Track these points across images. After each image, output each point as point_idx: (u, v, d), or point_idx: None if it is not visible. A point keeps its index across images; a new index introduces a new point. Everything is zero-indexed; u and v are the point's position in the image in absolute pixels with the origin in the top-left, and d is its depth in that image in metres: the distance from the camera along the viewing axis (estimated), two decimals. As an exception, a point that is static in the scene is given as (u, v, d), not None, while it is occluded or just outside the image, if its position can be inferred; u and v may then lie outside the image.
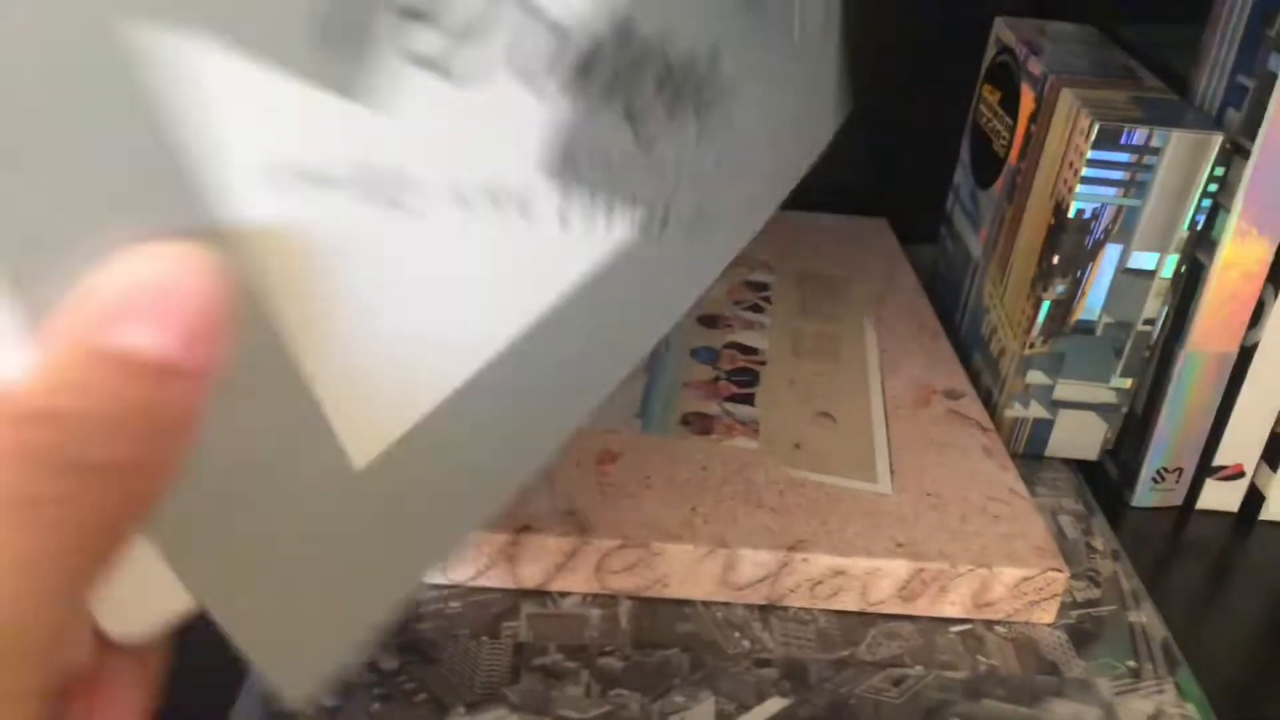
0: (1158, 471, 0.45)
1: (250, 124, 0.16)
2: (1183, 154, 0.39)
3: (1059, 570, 0.36)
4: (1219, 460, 0.45)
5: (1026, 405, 0.45)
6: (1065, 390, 0.45)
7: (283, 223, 0.17)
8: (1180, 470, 0.45)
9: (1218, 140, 0.39)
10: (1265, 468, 0.45)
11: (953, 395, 0.45)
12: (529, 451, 0.24)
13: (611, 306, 0.25)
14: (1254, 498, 0.45)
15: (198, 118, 0.15)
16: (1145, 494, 0.46)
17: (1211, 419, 0.44)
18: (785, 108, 0.31)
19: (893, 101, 0.56)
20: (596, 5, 0.21)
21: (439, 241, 0.20)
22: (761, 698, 0.33)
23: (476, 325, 0.21)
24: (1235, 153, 0.40)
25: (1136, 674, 0.36)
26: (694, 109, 0.25)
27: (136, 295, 0.15)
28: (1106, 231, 0.41)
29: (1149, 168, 0.40)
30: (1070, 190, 0.41)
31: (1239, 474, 0.45)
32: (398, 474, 0.20)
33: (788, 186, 0.33)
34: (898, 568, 0.36)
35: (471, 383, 0.21)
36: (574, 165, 0.22)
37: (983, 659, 0.36)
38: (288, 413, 0.18)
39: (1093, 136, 0.39)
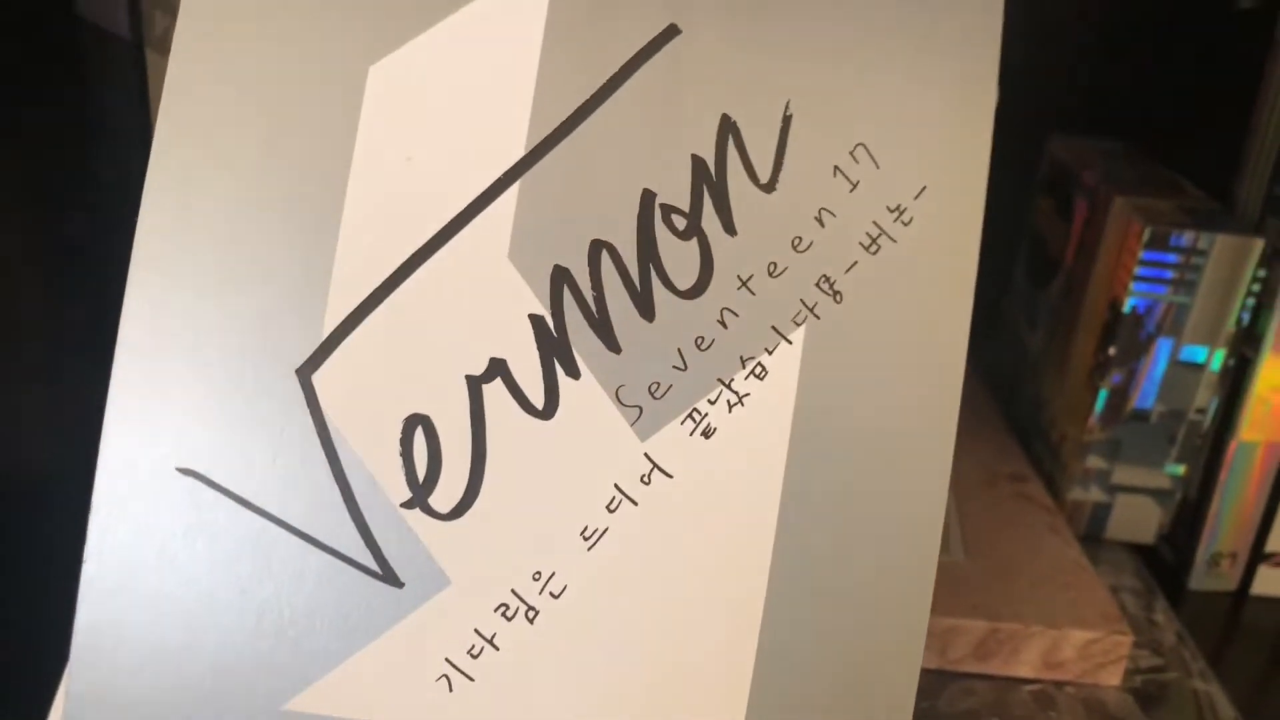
0: (1212, 556, 0.48)
1: (400, 702, 0.21)
2: (1227, 256, 0.43)
3: (1124, 634, 0.39)
4: (1271, 547, 0.48)
5: (1086, 489, 0.48)
6: (1123, 475, 0.48)
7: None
8: (1235, 555, 0.48)
9: (1259, 245, 0.43)
10: (1316, 554, 0.47)
11: (1018, 479, 0.49)
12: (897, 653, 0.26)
13: (851, 438, 0.24)
14: (1307, 583, 0.48)
15: None
16: (1201, 578, 0.48)
17: (1263, 507, 0.47)
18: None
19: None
20: None
21: (611, 577, 0.22)
22: (850, 741, 0.36)
23: (720, 597, 0.23)
24: (1275, 257, 0.44)
25: (1200, 733, 0.38)
26: (750, 180, 0.24)
27: None
28: (1159, 326, 0.45)
29: (1196, 268, 0.44)
30: (1125, 288, 0.45)
31: (1292, 560, 0.48)
32: None
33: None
34: (974, 627, 0.39)
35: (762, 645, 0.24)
36: (671, 394, 0.23)
37: (1054, 715, 0.38)
38: None
39: (1145, 239, 0.44)
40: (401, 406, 0.21)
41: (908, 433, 0.24)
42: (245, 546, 0.21)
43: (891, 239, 0.24)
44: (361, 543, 0.21)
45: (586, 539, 0.22)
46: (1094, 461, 0.48)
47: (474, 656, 0.21)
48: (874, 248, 0.24)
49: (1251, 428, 0.46)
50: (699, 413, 0.23)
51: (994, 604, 0.40)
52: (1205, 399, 0.46)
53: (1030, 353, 0.55)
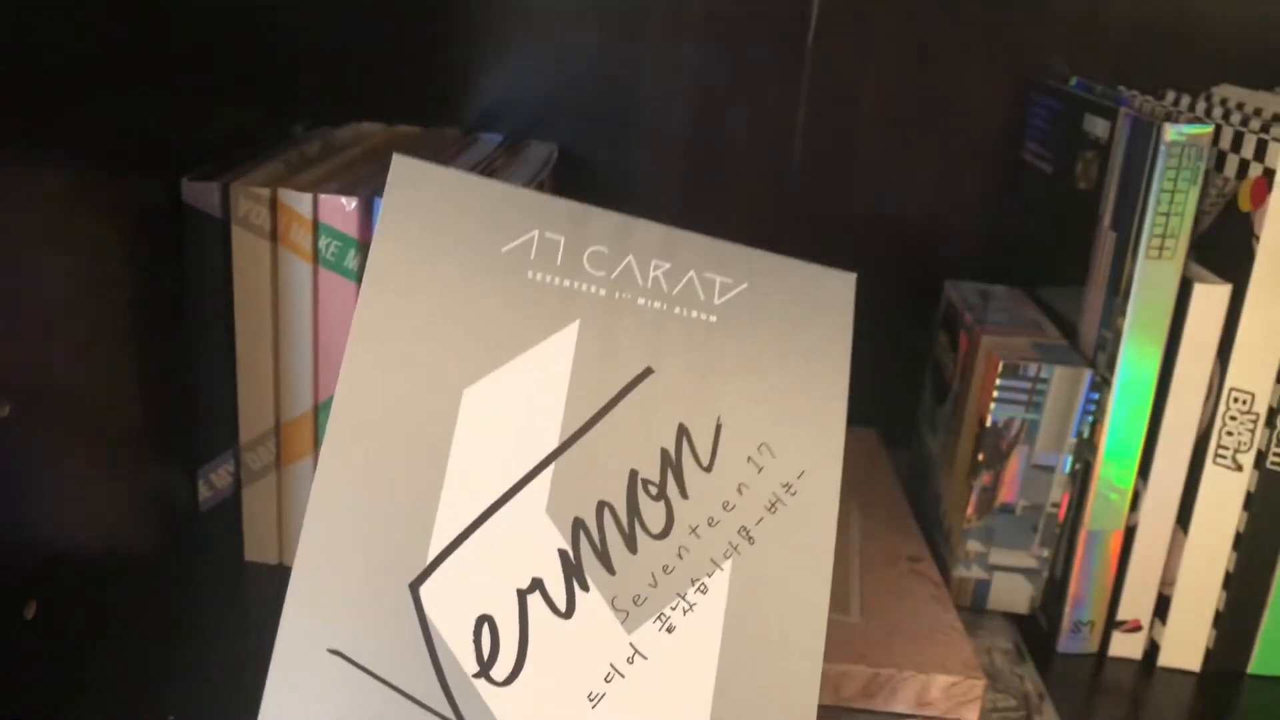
0: (1075, 624, 0.59)
1: None
2: (1065, 383, 0.56)
3: (978, 679, 0.50)
4: (1121, 615, 0.59)
5: (969, 568, 0.60)
6: (997, 556, 0.59)
7: None
8: (1093, 623, 0.59)
9: (1086, 374, 0.55)
10: (1158, 623, 0.58)
11: (914, 559, 0.60)
12: None
13: (767, 614, 0.35)
14: (1153, 647, 0.59)
15: None
16: (1067, 643, 0.59)
17: (1111, 582, 0.58)
18: (774, 348, 0.41)
19: (878, 342, 0.74)
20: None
21: None
22: (759, 758, 0.47)
23: None
24: (1104, 384, 0.56)
25: (1035, 756, 0.49)
26: (698, 466, 0.36)
27: None
28: (1015, 438, 0.57)
29: (1042, 393, 0.56)
30: (988, 408, 0.57)
31: (1137, 628, 0.59)
32: None
33: (840, 375, 0.40)
34: (861, 671, 0.50)
35: None
36: (646, 603, 0.34)
37: (923, 743, 0.49)
38: None
39: (1000, 370, 0.56)
40: (474, 609, 0.32)
41: (792, 621, 0.37)
42: (374, 707, 0.31)
43: (784, 503, 0.37)
44: (446, 703, 0.32)
45: (591, 700, 0.33)
46: (973, 546, 0.59)
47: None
48: (774, 509, 0.37)
49: (1097, 519, 0.57)
50: (664, 615, 0.35)
51: (878, 654, 0.51)
52: (1058, 495, 0.58)
53: (932, 456, 0.67)
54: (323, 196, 0.53)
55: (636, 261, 0.37)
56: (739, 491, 0.36)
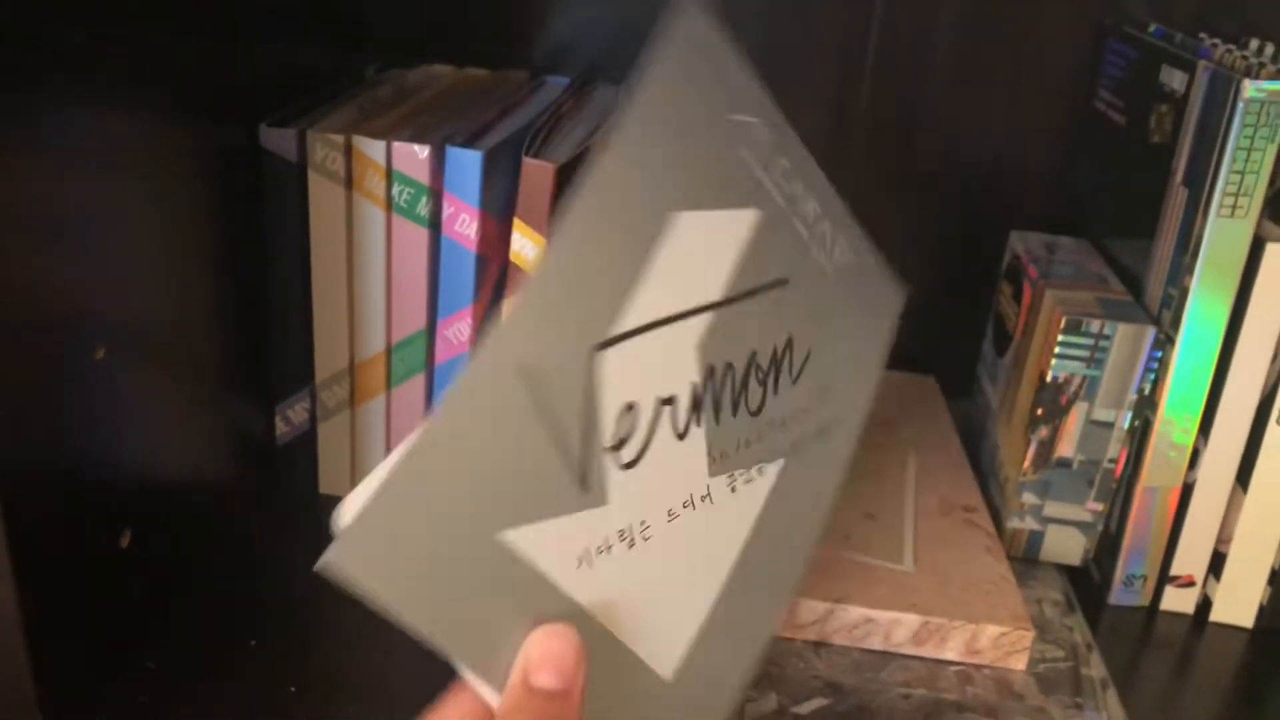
0: (1128, 577, 0.60)
1: (561, 558, 0.32)
2: (1128, 340, 0.56)
3: (1027, 630, 0.51)
4: (1175, 571, 0.59)
5: (1023, 519, 0.60)
6: (1052, 509, 0.60)
7: (593, 584, 0.33)
8: (1147, 577, 0.60)
9: (1150, 331, 0.55)
10: (1212, 579, 0.59)
11: (969, 509, 0.61)
12: (763, 635, 0.39)
13: (786, 521, 0.40)
14: (1205, 603, 0.59)
15: (540, 567, 0.31)
16: (1119, 595, 0.60)
17: (1166, 537, 0.59)
18: (852, 321, 0.46)
19: (941, 289, 0.74)
20: (704, 376, 0.37)
21: (670, 541, 0.35)
22: (810, 698, 0.49)
23: (706, 574, 0.37)
24: (1168, 342, 0.56)
25: (1080, 706, 0.50)
26: (789, 375, 0.41)
27: (542, 657, 0.30)
28: (1075, 394, 0.57)
29: (1104, 349, 0.56)
30: (1049, 363, 0.57)
31: (1191, 583, 0.59)
32: (690, 677, 0.36)
33: (879, 368, 0.47)
34: (911, 620, 0.51)
35: (713, 609, 0.37)
36: (728, 460, 0.38)
37: (971, 689, 0.50)
38: (621, 668, 0.34)
39: (1063, 325, 0.56)
40: (628, 392, 0.34)
41: (794, 538, 0.41)
42: (527, 442, 0.32)
43: (820, 439, 0.42)
44: (579, 461, 0.33)
45: (669, 516, 0.36)
46: (1028, 498, 0.60)
47: (599, 552, 0.34)
48: (818, 438, 0.42)
49: (1154, 475, 0.57)
50: (734, 476, 0.38)
51: (929, 603, 0.52)
52: (1116, 450, 0.58)
53: (990, 407, 0.68)
54: (396, 144, 0.54)
55: (803, 191, 0.41)
56: (803, 412, 0.42)
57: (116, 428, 0.47)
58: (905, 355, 0.77)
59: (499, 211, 0.58)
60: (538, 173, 0.53)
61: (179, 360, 0.52)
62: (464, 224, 0.55)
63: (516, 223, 0.55)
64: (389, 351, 0.59)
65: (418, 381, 0.59)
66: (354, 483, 0.62)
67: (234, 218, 0.55)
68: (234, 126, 0.54)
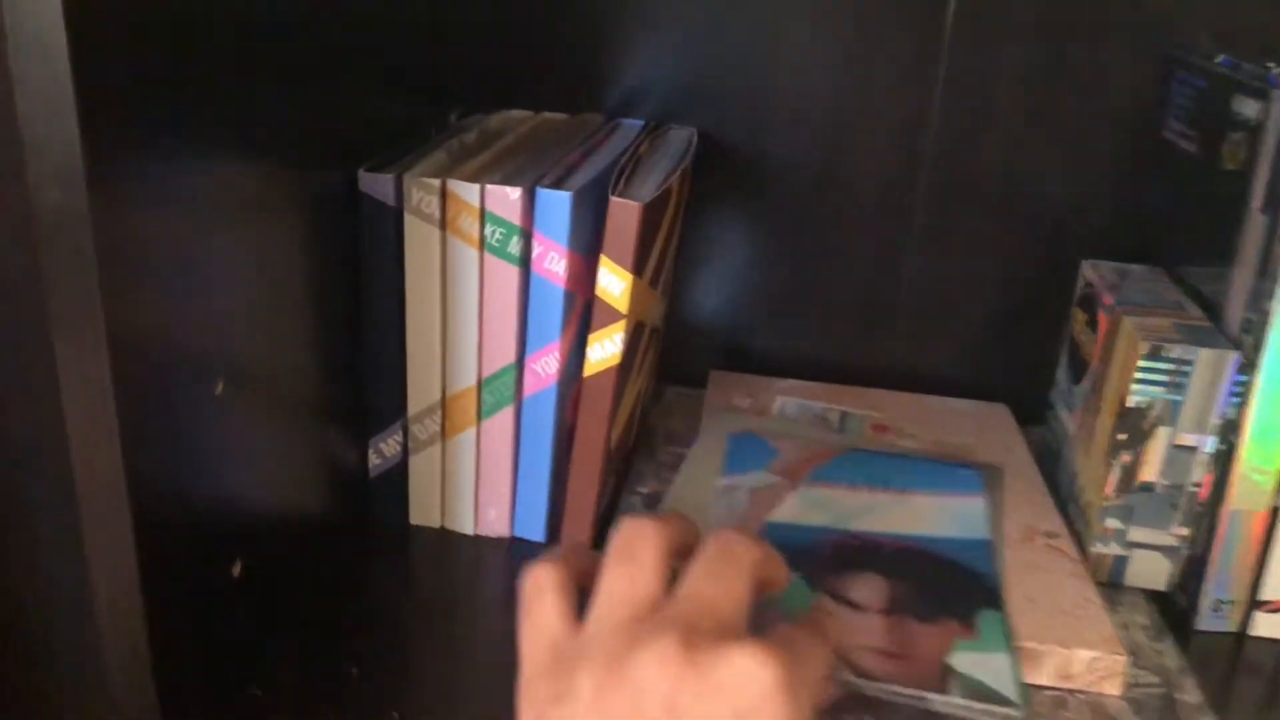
0: (1216, 602, 0.60)
1: None
2: (1210, 365, 0.56)
3: (1120, 654, 0.51)
4: (1264, 596, 0.59)
5: (1107, 544, 0.61)
6: (1136, 534, 0.60)
7: None
8: (1236, 602, 0.60)
9: (1233, 356, 0.56)
10: (1301, 603, 0.59)
11: (1051, 535, 0.61)
12: None
13: None
14: (1294, 627, 0.59)
15: None
16: (1206, 620, 0.60)
17: (1254, 562, 0.59)
18: None
19: (1011, 318, 0.75)
20: None
21: None
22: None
23: None
24: (1251, 366, 0.56)
25: (1177, 729, 0.50)
26: None
27: None
28: (1158, 418, 0.58)
29: (1185, 374, 0.57)
30: (1129, 388, 0.58)
31: (1280, 608, 0.59)
32: None
33: None
34: (1002, 643, 0.52)
35: None
36: None
37: (1066, 714, 0.51)
38: None
39: (1144, 351, 0.57)
40: None
41: None
42: None
43: None
44: None
45: None
46: (1112, 523, 0.60)
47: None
48: None
49: (1240, 499, 0.58)
50: None
51: (1020, 627, 0.53)
52: (1200, 475, 0.58)
53: (1067, 434, 0.68)
54: (489, 187, 0.56)
55: None
56: None
57: (231, 460, 0.50)
58: (977, 384, 0.78)
59: (585, 249, 0.60)
60: (624, 211, 0.55)
61: (283, 395, 0.54)
62: (553, 262, 0.57)
63: (603, 260, 0.56)
64: (479, 385, 0.61)
65: (507, 414, 0.61)
66: (444, 514, 0.64)
67: (332, 258, 0.57)
68: (332, 172, 0.57)
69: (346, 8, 0.56)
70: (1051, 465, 0.70)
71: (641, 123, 0.74)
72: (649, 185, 0.59)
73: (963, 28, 0.72)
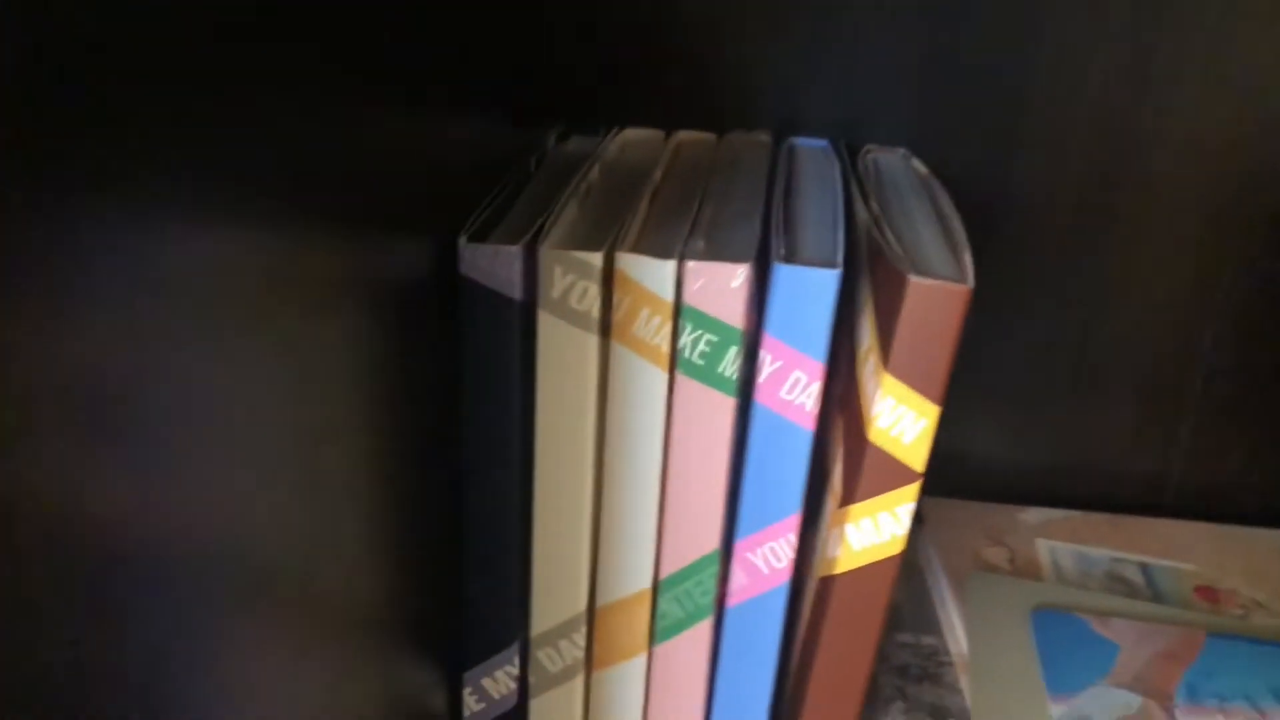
0: None
1: None
2: None
3: None
4: None
5: None
6: None
7: None
8: None
9: None
10: None
11: None
12: None
13: None
14: None
15: None
16: None
17: None
18: None
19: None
20: None
21: None
22: None
23: None
24: None
25: None
26: None
27: None
28: None
29: None
30: None
31: None
32: None
33: None
34: None
35: None
36: None
37: None
38: None
39: None
40: None
41: None
42: None
43: None
44: None
45: None
46: None
47: None
48: None
49: None
50: None
51: None
52: None
53: None
54: (692, 264, 0.32)
55: None
56: None
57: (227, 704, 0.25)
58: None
59: (839, 362, 0.36)
60: (939, 301, 0.32)
61: (322, 607, 0.30)
62: (798, 388, 0.34)
63: (886, 382, 0.33)
64: (655, 589, 0.37)
65: (699, 634, 0.37)
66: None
67: (403, 386, 0.33)
68: (399, 242, 0.32)
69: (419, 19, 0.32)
70: None
71: (824, 143, 0.50)
72: (930, 249, 0.36)
73: None
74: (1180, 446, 0.56)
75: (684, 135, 0.50)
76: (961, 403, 0.56)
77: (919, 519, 0.54)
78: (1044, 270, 0.54)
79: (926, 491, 0.56)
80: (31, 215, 0.15)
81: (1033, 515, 0.54)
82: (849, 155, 0.48)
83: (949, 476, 0.57)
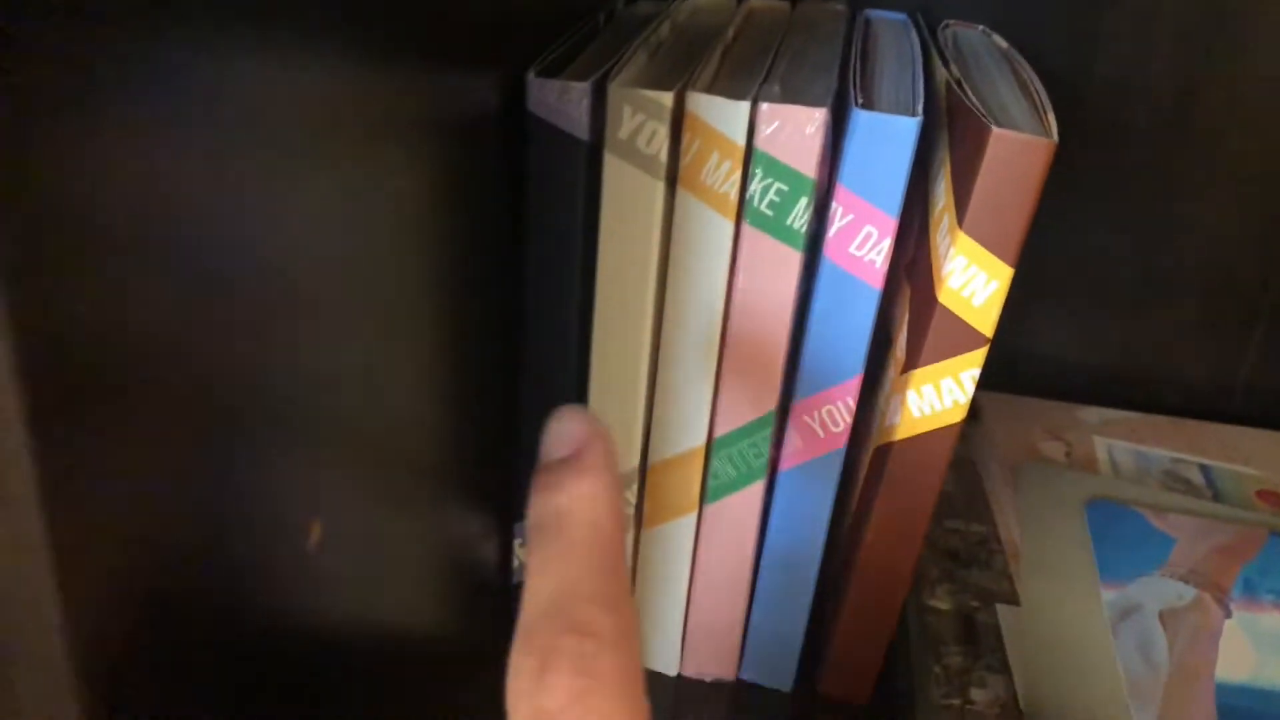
0: None
1: None
2: None
3: None
4: None
5: None
6: None
7: None
8: None
9: None
10: None
11: None
12: None
13: None
14: None
15: None
16: None
17: None
18: None
19: None
20: None
21: None
22: None
23: None
24: None
25: None
26: None
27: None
28: None
29: None
30: None
31: None
32: None
33: None
34: None
35: None
36: None
37: None
38: None
39: None
40: None
41: None
42: None
43: None
44: None
45: None
46: None
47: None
48: None
49: None
50: None
51: None
52: None
53: None
54: (766, 106, 0.31)
55: None
56: None
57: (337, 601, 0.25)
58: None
59: (910, 224, 0.35)
60: (1022, 153, 0.30)
61: (384, 445, 0.30)
62: (869, 244, 0.33)
63: (960, 239, 0.32)
64: (709, 447, 0.36)
65: (750, 495, 0.37)
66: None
67: (473, 227, 0.32)
68: (463, 76, 0.31)
69: None
70: None
71: (903, 17, 0.48)
72: (1018, 109, 0.34)
73: None
74: (1249, 353, 0.54)
75: (756, 2, 0.49)
76: (1025, 299, 0.55)
77: (974, 414, 0.53)
78: (1118, 168, 0.52)
79: (984, 387, 0.55)
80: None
81: (1092, 414, 0.53)
82: (934, 28, 0.47)
83: (1008, 374, 0.56)
